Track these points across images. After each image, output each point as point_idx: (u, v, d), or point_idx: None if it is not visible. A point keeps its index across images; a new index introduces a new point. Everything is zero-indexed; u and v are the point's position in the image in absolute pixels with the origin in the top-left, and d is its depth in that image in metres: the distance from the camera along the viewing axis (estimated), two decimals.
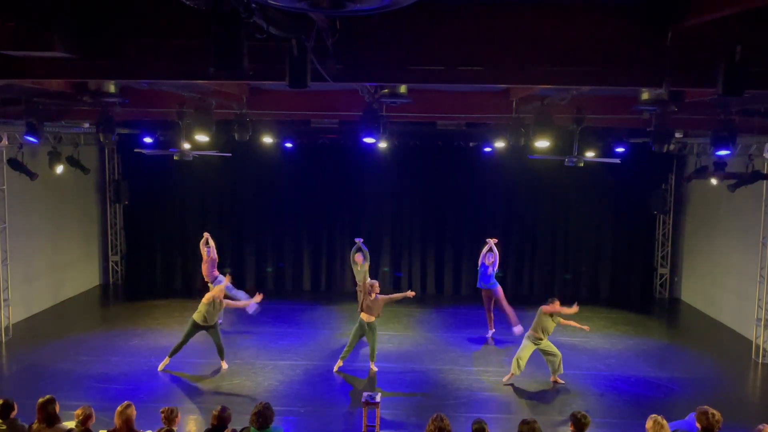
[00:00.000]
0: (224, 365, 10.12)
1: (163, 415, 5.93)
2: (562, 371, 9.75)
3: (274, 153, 14.14)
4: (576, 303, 9.65)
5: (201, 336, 11.74)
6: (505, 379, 9.75)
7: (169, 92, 7.47)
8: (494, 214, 15.29)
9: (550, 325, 9.54)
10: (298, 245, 15.60)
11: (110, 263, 16.15)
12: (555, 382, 9.76)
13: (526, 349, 9.55)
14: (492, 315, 12.14)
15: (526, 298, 15.20)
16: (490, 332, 12.13)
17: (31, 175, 11.30)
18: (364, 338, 10.04)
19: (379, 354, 11.13)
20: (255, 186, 15.23)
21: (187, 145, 10.22)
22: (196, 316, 9.86)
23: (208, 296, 9.93)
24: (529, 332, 9.61)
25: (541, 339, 9.52)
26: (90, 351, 10.96)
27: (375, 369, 10.10)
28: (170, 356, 10.05)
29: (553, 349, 9.69)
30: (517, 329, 11.64)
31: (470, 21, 4.70)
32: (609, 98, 8.06)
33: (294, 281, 15.67)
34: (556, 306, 9.40)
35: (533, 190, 14.92)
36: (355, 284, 12.09)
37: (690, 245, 15.16)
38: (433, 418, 5.51)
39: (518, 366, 9.56)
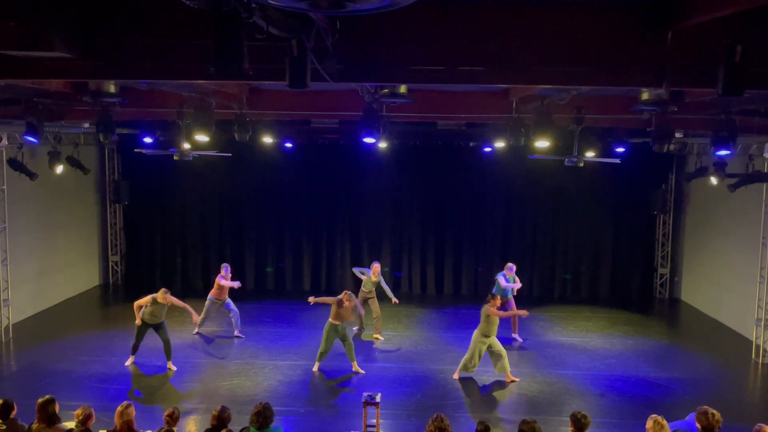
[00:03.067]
0: (171, 366, 10.08)
1: (165, 416, 5.94)
2: (509, 369, 9.81)
3: (274, 153, 14.13)
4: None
5: (200, 337, 11.77)
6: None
7: (169, 92, 7.48)
8: (494, 214, 15.29)
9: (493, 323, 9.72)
10: (298, 245, 15.60)
11: (110, 263, 16.15)
12: (511, 381, 9.82)
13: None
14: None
15: (526, 299, 15.21)
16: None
17: (31, 175, 11.30)
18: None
19: (380, 354, 11.18)
20: (255, 186, 15.23)
21: (187, 145, 10.21)
22: (145, 317, 9.87)
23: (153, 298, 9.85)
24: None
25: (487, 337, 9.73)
26: (90, 351, 10.96)
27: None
28: (133, 354, 10.19)
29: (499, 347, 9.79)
30: None
31: (470, 21, 4.70)
32: (609, 98, 8.06)
33: (294, 281, 15.67)
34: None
35: (533, 190, 14.92)
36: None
37: (690, 245, 15.16)
38: (433, 418, 5.51)
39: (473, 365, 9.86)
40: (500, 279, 11.73)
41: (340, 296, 10.05)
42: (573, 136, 9.23)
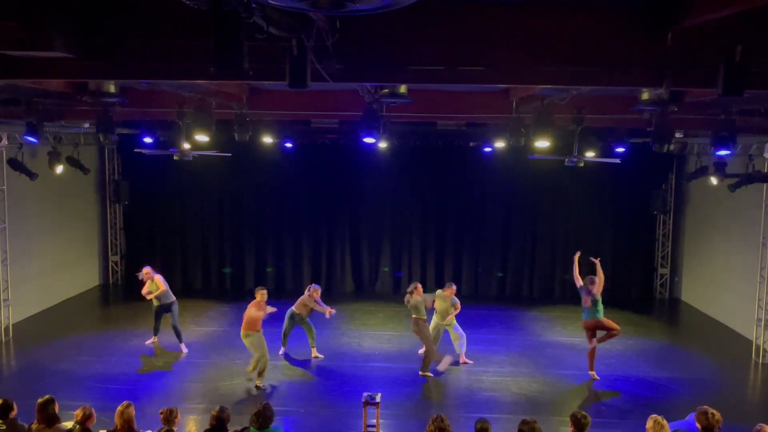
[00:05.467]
0: (184, 349, 10.97)
1: (162, 416, 5.93)
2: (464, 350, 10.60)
3: (274, 153, 14.14)
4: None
5: (201, 336, 11.76)
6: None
7: (169, 92, 7.47)
8: (494, 214, 15.29)
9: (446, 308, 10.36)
10: (298, 245, 15.60)
11: (110, 263, 16.15)
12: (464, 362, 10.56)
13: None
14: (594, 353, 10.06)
15: (527, 299, 15.24)
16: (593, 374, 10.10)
17: (31, 175, 11.30)
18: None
19: (380, 354, 11.18)
20: (255, 186, 15.24)
21: (187, 145, 10.23)
22: (154, 301, 10.88)
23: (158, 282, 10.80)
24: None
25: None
26: (90, 351, 10.96)
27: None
28: (155, 335, 11.25)
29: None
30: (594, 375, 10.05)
31: (470, 21, 4.69)
32: (609, 98, 8.05)
33: (294, 281, 15.66)
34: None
35: (533, 190, 14.92)
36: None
37: (690, 245, 15.15)
38: (433, 418, 5.51)
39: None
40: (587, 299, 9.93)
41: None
42: (573, 136, 9.23)
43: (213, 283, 15.67)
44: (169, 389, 9.51)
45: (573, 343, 11.82)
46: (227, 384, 9.61)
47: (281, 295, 14.95)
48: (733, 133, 7.70)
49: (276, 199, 15.31)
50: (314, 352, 10.81)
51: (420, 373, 10.00)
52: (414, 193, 15.33)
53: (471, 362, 10.59)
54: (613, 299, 15.01)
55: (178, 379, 9.88)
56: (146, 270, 10.86)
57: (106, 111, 8.11)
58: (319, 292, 10.76)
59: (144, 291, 10.86)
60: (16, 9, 4.16)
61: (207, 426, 5.94)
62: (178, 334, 10.94)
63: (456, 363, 10.46)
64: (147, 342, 11.24)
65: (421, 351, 10.56)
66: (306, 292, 10.71)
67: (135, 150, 12.63)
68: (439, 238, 15.52)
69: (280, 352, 10.70)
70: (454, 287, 10.50)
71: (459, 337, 10.59)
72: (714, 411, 5.60)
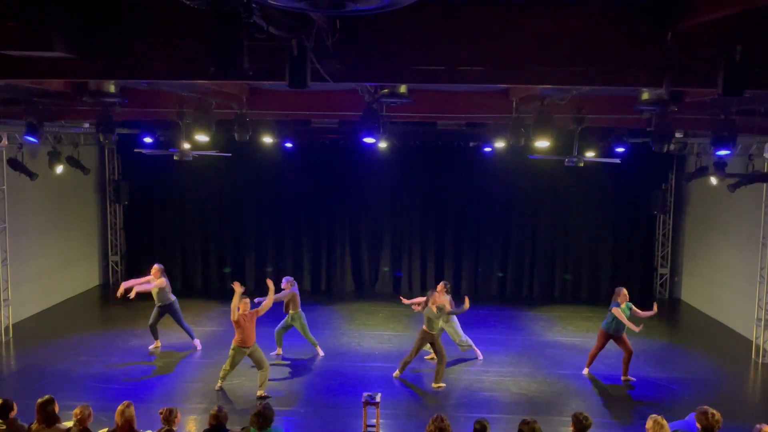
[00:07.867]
0: (197, 345, 11.11)
1: (162, 416, 5.93)
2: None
3: (274, 153, 14.14)
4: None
5: (201, 336, 11.75)
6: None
7: (169, 92, 7.48)
8: (494, 214, 15.29)
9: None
10: (298, 245, 15.60)
11: (110, 263, 16.15)
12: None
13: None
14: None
15: (527, 299, 15.23)
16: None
17: (31, 175, 11.30)
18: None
19: (380, 354, 11.18)
20: (255, 186, 15.24)
21: (187, 145, 10.23)
22: (156, 300, 10.81)
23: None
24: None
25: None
26: (90, 351, 10.96)
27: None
28: (156, 339, 11.10)
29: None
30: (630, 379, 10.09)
31: (470, 21, 4.70)
32: (609, 98, 8.06)
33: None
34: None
35: (533, 190, 14.93)
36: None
37: (690, 245, 15.15)
38: (433, 418, 5.51)
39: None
40: (615, 310, 9.90)
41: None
42: (573, 136, 9.23)
43: (213, 283, 15.67)
44: (169, 389, 9.51)
45: (573, 343, 11.83)
46: (227, 384, 9.59)
47: None
48: (733, 133, 7.70)
49: (276, 199, 15.32)
50: (318, 350, 10.92)
51: (434, 385, 9.64)
52: (414, 194, 15.33)
53: (470, 360, 10.59)
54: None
55: (178, 379, 9.88)
56: (157, 267, 10.78)
57: (106, 111, 8.11)
58: (288, 283, 10.53)
59: (140, 282, 10.64)
60: (16, 9, 4.16)
61: (207, 426, 5.95)
62: (188, 332, 11.00)
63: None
64: (150, 347, 11.04)
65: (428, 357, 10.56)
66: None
67: (135, 150, 12.63)
68: (439, 238, 15.52)
69: (274, 353, 10.71)
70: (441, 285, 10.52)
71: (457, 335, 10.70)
72: (714, 411, 5.60)
